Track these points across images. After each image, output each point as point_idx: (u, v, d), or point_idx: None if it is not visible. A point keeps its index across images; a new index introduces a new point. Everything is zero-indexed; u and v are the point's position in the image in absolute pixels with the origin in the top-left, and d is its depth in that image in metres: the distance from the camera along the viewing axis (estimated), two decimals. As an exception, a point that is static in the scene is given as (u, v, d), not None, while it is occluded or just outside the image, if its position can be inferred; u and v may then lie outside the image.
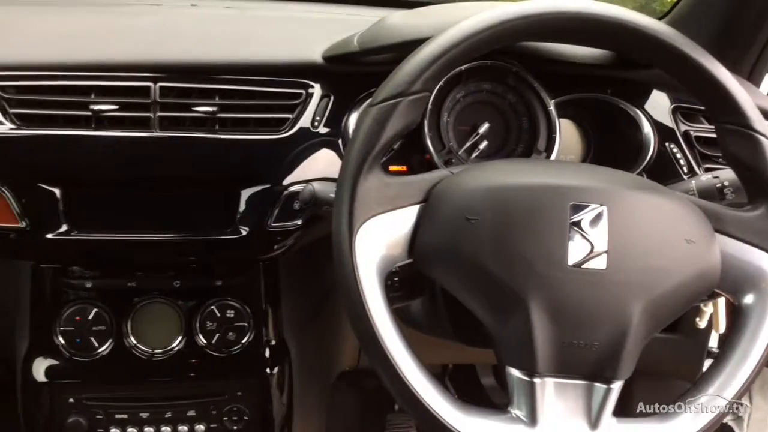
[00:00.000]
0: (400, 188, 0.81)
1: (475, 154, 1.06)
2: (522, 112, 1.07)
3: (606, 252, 0.75)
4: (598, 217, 0.76)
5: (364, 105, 1.03)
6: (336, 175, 1.00)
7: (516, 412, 0.78)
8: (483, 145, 1.06)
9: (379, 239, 0.79)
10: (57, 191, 0.96)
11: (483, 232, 0.77)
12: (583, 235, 0.76)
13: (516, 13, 0.79)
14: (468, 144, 1.06)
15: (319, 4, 1.43)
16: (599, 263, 0.75)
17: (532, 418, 0.77)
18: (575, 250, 0.75)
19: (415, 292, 0.97)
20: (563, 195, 0.77)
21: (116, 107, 0.96)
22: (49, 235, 0.96)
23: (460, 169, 0.85)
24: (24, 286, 1.05)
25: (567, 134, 1.10)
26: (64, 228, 0.96)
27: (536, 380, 0.76)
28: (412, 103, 0.79)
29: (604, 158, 1.09)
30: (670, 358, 1.30)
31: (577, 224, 0.76)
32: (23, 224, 0.95)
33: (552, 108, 1.05)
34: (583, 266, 0.75)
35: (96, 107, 0.95)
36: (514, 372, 0.77)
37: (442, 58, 0.79)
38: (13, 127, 0.95)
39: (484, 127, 1.06)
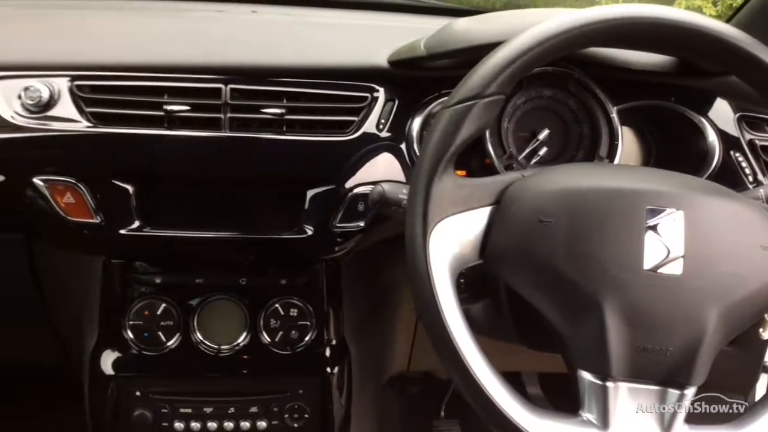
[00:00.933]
0: (472, 189, 0.82)
1: (534, 160, 1.07)
2: (583, 119, 1.08)
3: (682, 257, 0.75)
4: (675, 221, 0.76)
5: (431, 107, 1.04)
6: (400, 178, 1.03)
7: (587, 415, 0.78)
8: (542, 151, 1.07)
9: (452, 240, 0.80)
10: (130, 188, 0.98)
11: (557, 234, 0.77)
12: (659, 240, 0.76)
13: (594, 17, 0.79)
14: (528, 150, 1.07)
15: (376, 13, 1.45)
16: (675, 268, 0.75)
17: (604, 422, 0.77)
18: (651, 255, 0.75)
19: (479, 295, 0.97)
20: (639, 198, 0.77)
21: (188, 108, 0.99)
22: (122, 231, 0.98)
23: (532, 172, 0.85)
24: (94, 281, 1.07)
25: (627, 141, 1.10)
26: (136, 224, 0.99)
27: (609, 384, 0.76)
28: (486, 105, 0.80)
29: (664, 166, 1.08)
30: (724, 370, 1.28)
31: (654, 228, 0.76)
32: (98, 219, 0.97)
33: (614, 115, 1.05)
34: (658, 271, 0.75)
35: (169, 107, 0.98)
36: (586, 375, 0.77)
37: (517, 61, 0.79)
38: (89, 125, 0.98)
39: (544, 134, 1.07)
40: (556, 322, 0.79)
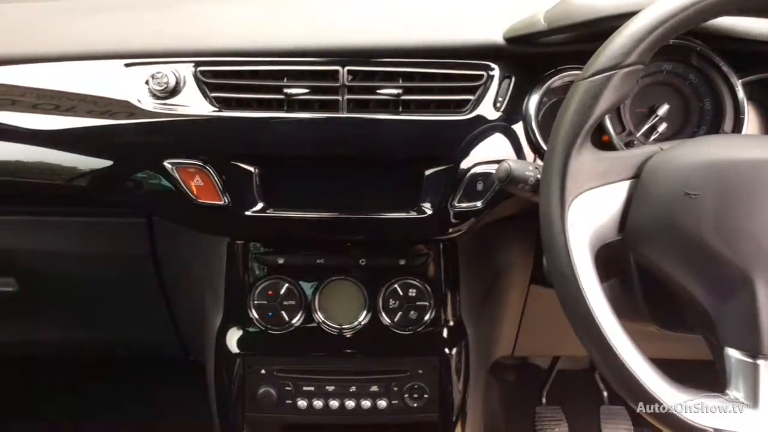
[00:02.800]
0: (611, 163, 0.80)
1: (653, 137, 1.04)
2: (705, 93, 1.04)
3: None
4: None
5: (549, 83, 1.02)
6: (518, 156, 1.01)
7: (735, 394, 0.75)
8: (662, 127, 1.04)
9: (590, 215, 0.79)
10: (253, 170, 1.00)
11: (705, 207, 0.75)
12: None
13: None
14: (646, 126, 1.04)
15: None
16: None
17: (754, 401, 0.74)
18: None
19: (607, 274, 0.95)
20: None
21: (307, 90, 1.00)
22: (248, 213, 1.00)
23: (670, 145, 0.83)
24: (217, 262, 1.10)
25: (749, 115, 1.06)
26: (260, 206, 1.01)
27: (760, 362, 0.73)
28: (626, 75, 0.78)
29: None
30: None
31: None
32: (225, 201, 1.00)
33: (740, 88, 1.01)
34: None
35: (288, 90, 0.99)
36: (734, 353, 0.75)
37: (659, 28, 0.77)
38: (214, 109, 1.00)
39: (663, 109, 1.03)
40: (702, 299, 0.77)
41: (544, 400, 1.88)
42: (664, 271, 0.80)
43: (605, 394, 1.89)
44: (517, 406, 1.89)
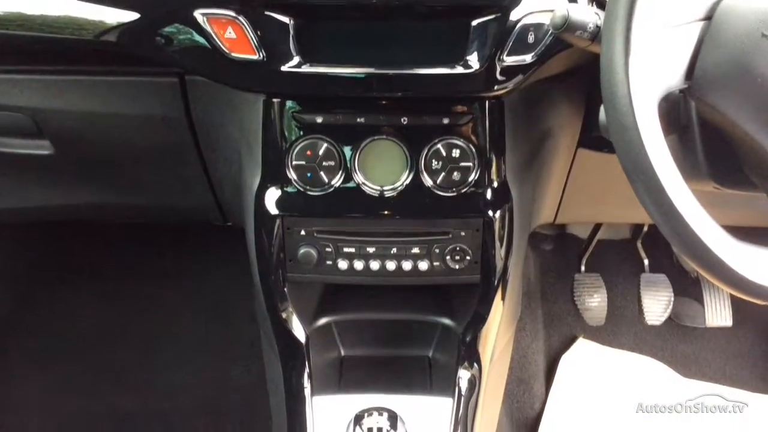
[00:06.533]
0: (681, 3, 0.73)
1: None
2: None
3: None
4: None
5: None
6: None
7: None
8: None
9: (656, 61, 0.72)
10: (289, 22, 0.94)
11: None
12: None
13: None
14: None
15: None
16: None
17: None
18: None
19: (666, 130, 0.89)
20: None
21: None
22: (284, 68, 0.95)
23: None
24: (255, 122, 1.06)
25: None
26: (296, 60, 0.95)
27: None
28: None
29: None
30: None
31: None
32: (260, 56, 0.95)
33: None
34: None
35: None
36: None
37: None
38: None
39: None
40: None
41: (583, 268, 1.88)
42: (731, 120, 0.74)
43: (646, 262, 1.87)
44: (554, 273, 1.89)
